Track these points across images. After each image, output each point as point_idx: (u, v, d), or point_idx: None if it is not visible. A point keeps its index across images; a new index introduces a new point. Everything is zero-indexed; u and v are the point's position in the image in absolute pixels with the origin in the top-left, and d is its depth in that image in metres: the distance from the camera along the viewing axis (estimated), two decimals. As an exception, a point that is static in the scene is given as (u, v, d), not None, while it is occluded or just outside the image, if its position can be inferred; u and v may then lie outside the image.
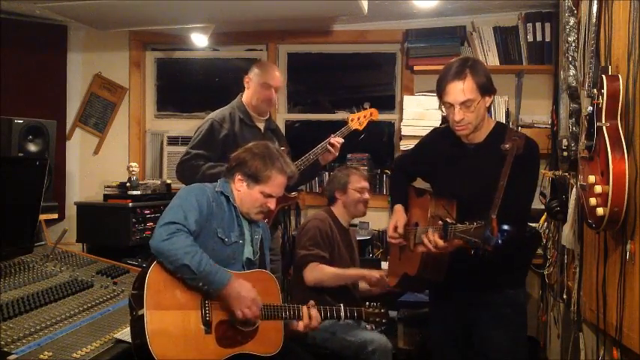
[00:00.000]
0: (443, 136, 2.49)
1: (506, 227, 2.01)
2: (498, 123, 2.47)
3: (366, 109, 3.54)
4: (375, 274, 3.12)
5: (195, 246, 2.14)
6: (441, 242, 2.18)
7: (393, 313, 3.66)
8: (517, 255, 2.41)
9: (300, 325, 2.37)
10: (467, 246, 2.09)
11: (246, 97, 3.32)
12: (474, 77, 2.24)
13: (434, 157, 2.50)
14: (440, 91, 2.32)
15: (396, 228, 2.49)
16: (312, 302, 2.45)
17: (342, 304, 2.48)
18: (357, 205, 3.28)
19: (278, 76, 3.33)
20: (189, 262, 2.08)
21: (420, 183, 2.69)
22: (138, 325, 2.03)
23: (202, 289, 2.13)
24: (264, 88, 3.25)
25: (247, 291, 2.19)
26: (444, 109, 2.38)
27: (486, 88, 2.28)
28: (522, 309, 2.51)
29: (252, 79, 3.28)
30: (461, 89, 2.24)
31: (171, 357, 2.03)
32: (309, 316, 2.37)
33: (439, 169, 2.49)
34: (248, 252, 2.46)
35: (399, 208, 2.56)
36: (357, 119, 3.46)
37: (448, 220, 2.17)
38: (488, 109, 2.39)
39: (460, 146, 2.40)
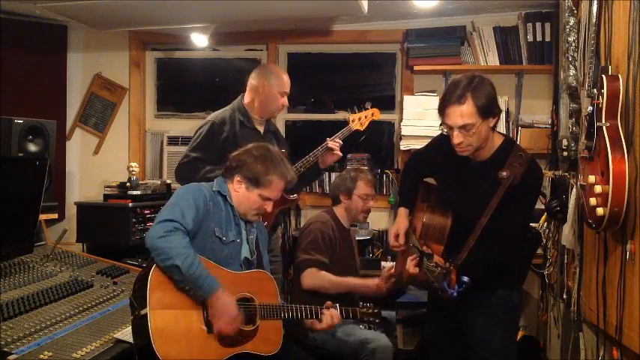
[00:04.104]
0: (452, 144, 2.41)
1: (465, 279, 2.16)
2: (506, 141, 2.39)
3: (367, 109, 3.46)
4: (373, 283, 3.09)
5: (189, 248, 2.12)
6: (415, 271, 2.37)
7: (392, 314, 3.66)
8: (516, 258, 2.43)
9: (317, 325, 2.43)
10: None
11: (251, 100, 3.26)
12: (475, 101, 2.19)
13: (441, 163, 2.48)
14: (440, 112, 2.29)
15: (397, 236, 2.50)
16: (329, 303, 2.47)
17: (337, 304, 2.48)
18: (359, 212, 3.28)
19: (289, 80, 3.32)
20: (181, 264, 2.05)
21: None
22: (141, 325, 2.02)
23: (189, 292, 2.11)
24: (282, 95, 3.24)
25: (229, 309, 2.16)
26: (445, 130, 2.34)
27: (488, 111, 2.22)
28: (515, 309, 2.52)
29: (267, 86, 3.20)
30: (459, 114, 2.20)
31: (175, 356, 2.02)
32: (330, 316, 2.43)
33: (444, 175, 2.51)
34: (245, 251, 2.45)
35: (402, 212, 2.56)
36: (359, 119, 3.40)
37: (425, 249, 2.30)
38: (495, 125, 2.32)
39: (465, 160, 2.36)
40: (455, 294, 2.17)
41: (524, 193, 2.30)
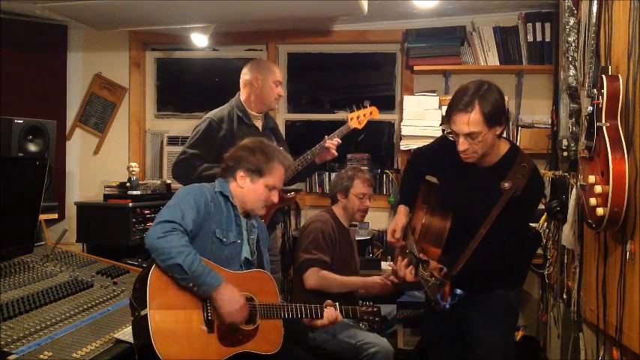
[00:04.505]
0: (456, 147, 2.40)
1: (459, 292, 2.17)
2: (511, 149, 2.38)
3: (366, 107, 3.45)
4: (377, 280, 3.10)
5: (189, 246, 2.13)
6: (410, 278, 2.37)
7: (392, 309, 3.65)
8: (516, 259, 2.43)
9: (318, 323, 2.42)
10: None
11: (247, 96, 3.29)
12: (482, 108, 2.18)
13: (444, 163, 2.48)
14: (447, 118, 2.29)
15: (394, 232, 2.51)
16: (329, 302, 2.47)
17: (337, 304, 2.48)
18: (355, 212, 3.28)
19: (280, 70, 3.41)
20: (182, 262, 2.06)
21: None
22: (141, 325, 2.03)
23: (192, 289, 2.12)
24: (277, 84, 3.30)
25: (236, 297, 2.18)
26: (451, 136, 2.34)
27: (495, 119, 2.21)
28: (513, 309, 2.53)
29: (261, 78, 3.26)
30: (466, 122, 2.19)
31: (175, 356, 2.03)
32: (330, 313, 2.42)
33: (445, 176, 2.51)
34: (246, 252, 2.46)
35: (401, 209, 2.57)
36: (357, 118, 3.40)
37: (422, 256, 2.29)
38: (501, 134, 2.32)
39: (469, 163, 2.35)
40: (447, 306, 2.18)
41: (525, 202, 2.31)
